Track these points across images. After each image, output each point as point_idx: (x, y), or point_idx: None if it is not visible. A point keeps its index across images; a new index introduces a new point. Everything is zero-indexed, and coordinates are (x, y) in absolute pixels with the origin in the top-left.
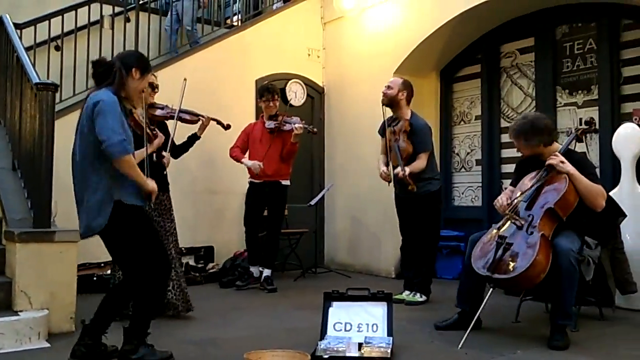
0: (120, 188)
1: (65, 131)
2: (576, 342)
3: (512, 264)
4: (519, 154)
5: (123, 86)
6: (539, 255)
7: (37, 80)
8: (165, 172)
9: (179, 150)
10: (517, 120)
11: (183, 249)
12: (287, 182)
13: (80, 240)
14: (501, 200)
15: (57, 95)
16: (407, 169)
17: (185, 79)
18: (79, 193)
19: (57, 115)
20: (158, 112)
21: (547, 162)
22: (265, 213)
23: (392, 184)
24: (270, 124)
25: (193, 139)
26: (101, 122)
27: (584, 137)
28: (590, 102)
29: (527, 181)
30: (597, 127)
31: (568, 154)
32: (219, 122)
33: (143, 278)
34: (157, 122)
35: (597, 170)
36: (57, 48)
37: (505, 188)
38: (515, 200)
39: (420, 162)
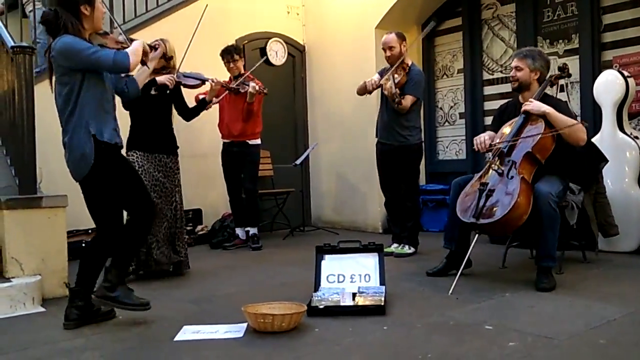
0: (95, 123)
1: (44, 96)
2: (561, 283)
3: (494, 209)
4: (501, 102)
5: (80, 30)
6: (520, 198)
7: (12, 44)
8: (172, 134)
9: (190, 113)
10: (523, 48)
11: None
12: (255, 141)
13: (67, 206)
14: (482, 137)
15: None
16: (397, 90)
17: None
18: (64, 141)
19: (35, 79)
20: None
21: (522, 108)
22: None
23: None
24: (233, 84)
25: (203, 103)
26: (82, 53)
27: (564, 87)
28: (571, 51)
29: (505, 128)
30: (570, 72)
31: (544, 99)
32: (227, 88)
33: (120, 231)
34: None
35: (579, 119)
36: (26, 16)
37: None
38: (495, 147)
39: (406, 101)
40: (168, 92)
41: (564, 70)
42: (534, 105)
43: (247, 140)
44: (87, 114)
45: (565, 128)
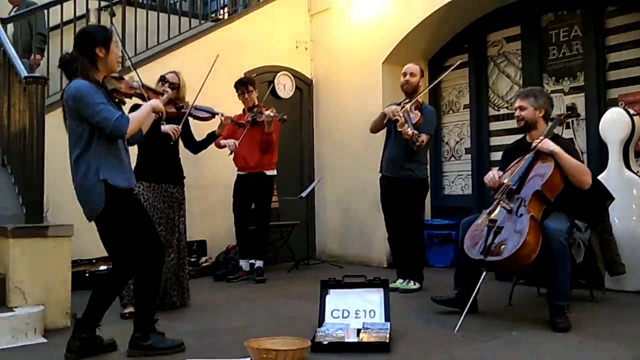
0: (106, 168)
1: (54, 126)
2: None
3: (503, 247)
4: (506, 143)
5: (89, 73)
6: (529, 236)
7: (26, 74)
8: (179, 164)
9: (197, 146)
10: (524, 88)
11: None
12: (272, 172)
13: (72, 235)
14: (491, 174)
15: (46, 90)
16: (416, 132)
17: (217, 55)
18: (74, 182)
19: (46, 110)
20: (171, 108)
21: (532, 145)
22: (254, 206)
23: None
24: (248, 116)
25: (212, 137)
26: (89, 108)
27: (570, 123)
28: (576, 88)
29: (515, 166)
30: (579, 112)
31: (553, 139)
32: (237, 123)
33: (135, 265)
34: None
35: (585, 156)
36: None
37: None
38: (504, 184)
39: (424, 137)
40: (172, 143)
41: (573, 110)
42: (544, 143)
43: (265, 171)
44: (98, 158)
45: (571, 168)
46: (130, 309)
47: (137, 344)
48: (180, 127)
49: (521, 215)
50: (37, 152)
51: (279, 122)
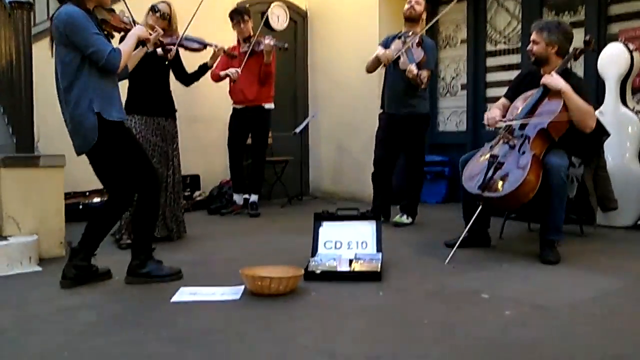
0: (99, 101)
1: (41, 56)
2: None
3: (502, 183)
4: (503, 80)
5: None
6: (530, 175)
7: None
8: (170, 96)
9: (189, 78)
10: (542, 20)
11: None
12: (270, 106)
13: (67, 164)
14: (492, 113)
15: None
16: (421, 71)
17: None
18: (64, 113)
19: (33, 39)
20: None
21: (541, 81)
22: (249, 141)
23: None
24: (244, 47)
25: (204, 68)
26: (81, 37)
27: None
28: (576, 23)
29: (522, 101)
30: (595, 47)
31: (566, 74)
32: (228, 54)
33: (131, 195)
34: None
35: None
36: None
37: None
38: (510, 120)
39: (425, 72)
40: (167, 62)
41: (589, 44)
42: (552, 79)
43: (263, 104)
44: (89, 89)
45: (578, 110)
46: (129, 240)
47: (135, 272)
48: (174, 49)
49: (524, 152)
50: (25, 81)
51: (278, 52)
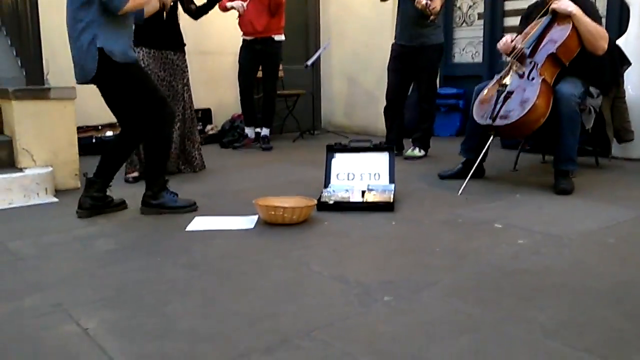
0: (103, 37)
1: None
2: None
3: (511, 110)
4: (522, 8)
5: None
6: (539, 100)
7: None
8: (179, 30)
9: (198, 11)
10: None
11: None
12: (280, 37)
13: (79, 98)
14: (505, 39)
15: None
16: (429, 1)
17: None
18: (70, 40)
19: None
20: None
21: (550, 6)
22: (260, 74)
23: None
24: None
25: (212, 1)
26: None
27: None
28: None
29: (531, 28)
30: None
31: None
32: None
33: (144, 128)
34: None
35: (604, 20)
36: None
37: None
38: (518, 47)
39: (437, 3)
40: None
41: None
42: (561, 3)
43: (273, 36)
44: (95, 22)
45: (588, 31)
46: (135, 174)
47: (149, 202)
48: None
49: (533, 78)
50: (32, 11)
51: None
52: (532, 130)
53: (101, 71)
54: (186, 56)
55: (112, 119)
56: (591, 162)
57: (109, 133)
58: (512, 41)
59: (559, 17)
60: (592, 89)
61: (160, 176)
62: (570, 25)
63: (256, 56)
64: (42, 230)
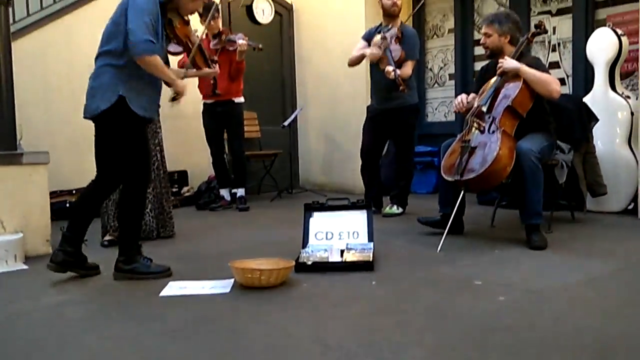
0: (128, 87)
1: (23, 56)
2: (550, 242)
3: (477, 163)
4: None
5: None
6: (501, 149)
7: None
8: None
9: None
10: (491, 13)
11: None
12: (240, 100)
13: (52, 161)
14: (459, 98)
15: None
16: (398, 71)
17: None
18: (93, 72)
19: (12, 36)
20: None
21: (497, 67)
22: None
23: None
24: (214, 43)
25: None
26: (132, 14)
27: (555, 45)
28: (564, 9)
29: (484, 89)
30: (546, 28)
31: (520, 57)
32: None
33: (120, 177)
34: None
35: (570, 79)
36: None
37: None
38: (476, 105)
39: (407, 69)
40: None
41: (539, 27)
42: (506, 63)
43: (233, 99)
44: (126, 71)
45: (536, 80)
46: (109, 237)
47: (121, 268)
48: None
49: (493, 131)
50: (6, 76)
51: (252, 51)
52: (499, 180)
53: (110, 113)
54: (160, 118)
55: (87, 183)
56: (567, 216)
57: None
58: (467, 100)
59: (509, 76)
60: (563, 145)
61: (134, 241)
62: (521, 80)
63: (219, 119)
64: (9, 299)
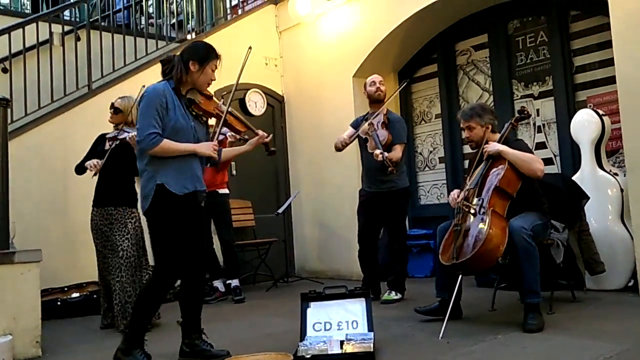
0: (162, 172)
1: (18, 153)
2: (553, 323)
3: (470, 245)
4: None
5: (181, 80)
6: (492, 229)
7: None
8: (122, 187)
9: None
10: (464, 108)
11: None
12: (224, 191)
13: (44, 258)
14: (452, 194)
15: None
16: (386, 153)
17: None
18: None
19: (9, 136)
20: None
21: (483, 152)
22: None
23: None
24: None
25: None
26: (140, 113)
27: (541, 127)
28: (546, 92)
29: (472, 174)
30: (529, 112)
31: (505, 141)
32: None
33: (174, 273)
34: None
35: (558, 159)
36: (5, 70)
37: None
38: (465, 190)
39: (397, 152)
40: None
41: (523, 112)
42: (490, 146)
43: (217, 190)
44: (156, 160)
45: (519, 160)
46: (104, 321)
47: (118, 356)
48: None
49: (484, 212)
50: (1, 177)
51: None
52: (494, 259)
53: (155, 204)
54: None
55: (79, 279)
56: (568, 296)
57: (75, 294)
58: (457, 195)
59: (494, 160)
60: (557, 224)
61: (140, 331)
62: (506, 162)
63: (205, 210)
64: None
